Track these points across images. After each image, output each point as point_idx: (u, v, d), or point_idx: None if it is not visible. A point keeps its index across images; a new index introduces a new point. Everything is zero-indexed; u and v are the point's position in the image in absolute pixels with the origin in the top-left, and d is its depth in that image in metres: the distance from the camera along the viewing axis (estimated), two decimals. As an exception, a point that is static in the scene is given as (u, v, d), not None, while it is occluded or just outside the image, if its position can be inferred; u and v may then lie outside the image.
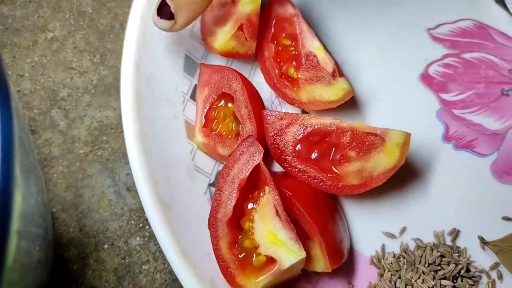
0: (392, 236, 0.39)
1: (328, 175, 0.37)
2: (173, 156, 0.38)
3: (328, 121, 0.37)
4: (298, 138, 0.38)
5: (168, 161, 0.37)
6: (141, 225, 0.41)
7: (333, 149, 0.37)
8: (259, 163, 0.34)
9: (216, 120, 0.39)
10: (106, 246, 0.40)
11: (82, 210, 0.41)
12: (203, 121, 0.39)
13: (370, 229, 0.39)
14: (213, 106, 0.39)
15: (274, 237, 0.34)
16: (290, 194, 0.35)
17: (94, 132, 0.43)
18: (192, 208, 0.37)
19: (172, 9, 0.33)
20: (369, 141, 0.37)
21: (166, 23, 0.34)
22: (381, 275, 0.38)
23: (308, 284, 0.38)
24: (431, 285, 0.36)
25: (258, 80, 0.43)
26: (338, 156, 0.37)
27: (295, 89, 0.40)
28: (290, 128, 0.38)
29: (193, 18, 0.35)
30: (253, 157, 0.34)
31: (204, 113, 0.39)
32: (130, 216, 0.41)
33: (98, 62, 0.45)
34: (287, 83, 0.40)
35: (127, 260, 0.40)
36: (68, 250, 0.39)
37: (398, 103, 0.42)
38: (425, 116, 0.42)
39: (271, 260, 0.33)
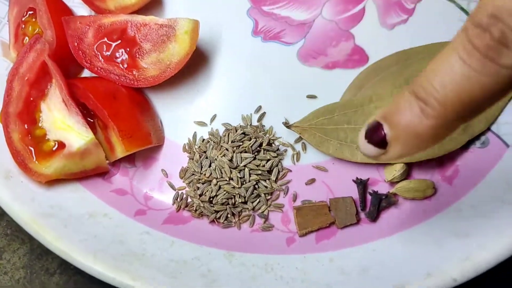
0: (203, 124, 0.41)
1: (128, 70, 0.39)
2: (-17, 70, 0.40)
3: (121, 17, 0.39)
4: (97, 39, 0.40)
5: (-26, 74, 0.39)
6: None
7: (131, 44, 0.39)
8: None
9: (26, 36, 0.41)
10: None
11: None
12: (15, 38, 0.41)
13: (183, 120, 0.41)
14: (22, 21, 0.41)
15: (62, 122, 0.36)
16: (82, 86, 0.37)
17: None
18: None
19: (388, 138, 0.25)
20: (162, 33, 0.39)
21: (373, 150, 0.26)
22: (191, 159, 0.40)
23: (126, 177, 0.40)
24: (230, 157, 0.38)
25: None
26: (135, 51, 0.39)
27: None
28: (89, 31, 0.40)
29: (408, 155, 0.26)
30: (39, 53, 0.36)
31: (14, 30, 0.41)
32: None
33: None
34: None
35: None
36: None
37: (210, 4, 0.44)
38: (236, 14, 0.44)
39: (62, 145, 0.35)
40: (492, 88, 0.21)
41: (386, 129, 0.25)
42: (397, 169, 0.38)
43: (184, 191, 0.39)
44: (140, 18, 0.39)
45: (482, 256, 0.32)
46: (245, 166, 0.38)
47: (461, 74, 0.21)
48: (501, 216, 0.34)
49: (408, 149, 0.25)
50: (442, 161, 0.39)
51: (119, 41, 0.39)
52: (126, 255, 0.33)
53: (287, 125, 0.40)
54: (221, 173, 0.38)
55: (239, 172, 0.38)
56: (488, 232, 0.33)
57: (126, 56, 0.39)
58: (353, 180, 0.38)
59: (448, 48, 0.22)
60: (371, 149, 0.26)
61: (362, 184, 0.38)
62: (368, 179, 0.38)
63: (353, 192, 0.39)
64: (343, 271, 0.33)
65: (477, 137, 0.40)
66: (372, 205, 0.38)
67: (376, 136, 0.26)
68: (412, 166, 0.39)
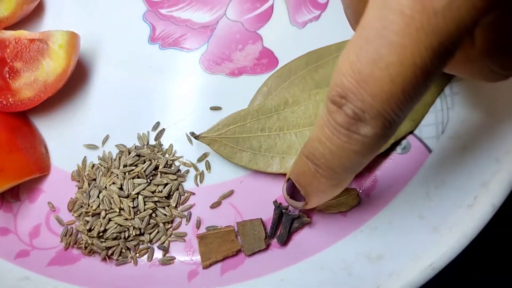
0: (94, 147, 0.37)
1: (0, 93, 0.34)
2: None
3: (-14, 34, 0.34)
4: (-37, 60, 0.35)
5: None
6: None
7: (0, 64, 0.34)
8: None
9: None
10: None
11: None
12: None
13: (72, 144, 0.37)
14: None
15: None
16: None
17: None
18: None
19: (302, 194, 0.29)
20: (34, 49, 0.34)
21: (297, 204, 0.30)
22: (80, 188, 0.35)
23: (9, 213, 0.35)
24: (119, 185, 0.34)
25: None
26: (6, 71, 0.34)
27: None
28: (-47, 51, 0.35)
29: (327, 200, 0.30)
30: None
31: None
32: None
33: None
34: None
35: None
36: None
37: (99, 9, 0.40)
38: (130, 20, 0.40)
39: None
40: (363, 151, 0.24)
41: (298, 187, 0.29)
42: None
43: (73, 226, 0.35)
44: (8, 34, 0.34)
45: (394, 285, 0.28)
46: (138, 193, 0.34)
47: (336, 146, 0.24)
48: (417, 234, 0.31)
49: (321, 199, 0.29)
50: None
51: (-12, 61, 0.34)
52: (-8, 311, 0.29)
53: (194, 135, 0.35)
54: (110, 203, 0.34)
55: (132, 201, 0.34)
56: (402, 256, 0.30)
57: (-3, 77, 0.34)
58: (273, 202, 0.34)
59: (318, 122, 0.25)
60: (295, 203, 0.30)
61: (279, 210, 0.34)
62: (288, 206, 0.34)
63: (264, 212, 0.35)
64: (242, 309, 0.29)
65: (398, 142, 0.36)
66: (283, 227, 0.34)
67: (293, 191, 0.29)
68: (327, 179, 0.35)
